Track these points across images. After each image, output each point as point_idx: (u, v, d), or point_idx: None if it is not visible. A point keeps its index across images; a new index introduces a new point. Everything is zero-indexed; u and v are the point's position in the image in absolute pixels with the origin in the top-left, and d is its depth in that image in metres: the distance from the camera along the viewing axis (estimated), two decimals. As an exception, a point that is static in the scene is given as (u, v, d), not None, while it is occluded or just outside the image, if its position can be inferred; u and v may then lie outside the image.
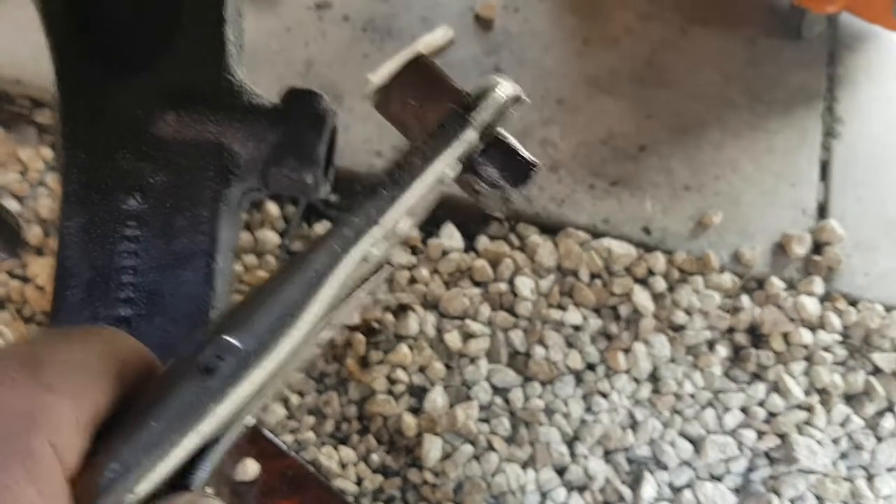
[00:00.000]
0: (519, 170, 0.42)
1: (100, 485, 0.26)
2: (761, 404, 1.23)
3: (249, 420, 0.31)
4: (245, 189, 0.63)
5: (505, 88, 0.41)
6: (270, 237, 1.31)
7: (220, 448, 0.29)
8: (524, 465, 1.17)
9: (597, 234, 1.32)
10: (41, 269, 1.27)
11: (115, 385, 0.28)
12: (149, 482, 0.26)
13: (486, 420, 1.19)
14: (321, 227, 1.33)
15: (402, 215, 0.35)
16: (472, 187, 0.42)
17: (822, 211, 1.39)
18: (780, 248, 1.34)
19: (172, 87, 0.60)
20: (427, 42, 1.50)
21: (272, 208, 1.34)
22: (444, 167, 0.37)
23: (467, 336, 1.24)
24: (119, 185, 0.59)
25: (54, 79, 0.61)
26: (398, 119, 0.44)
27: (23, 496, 0.24)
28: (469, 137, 0.38)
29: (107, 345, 0.29)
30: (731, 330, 1.28)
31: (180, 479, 0.28)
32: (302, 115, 0.59)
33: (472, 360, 1.22)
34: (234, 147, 0.59)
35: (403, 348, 1.22)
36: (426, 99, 0.42)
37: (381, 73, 1.47)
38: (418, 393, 1.21)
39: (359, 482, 1.15)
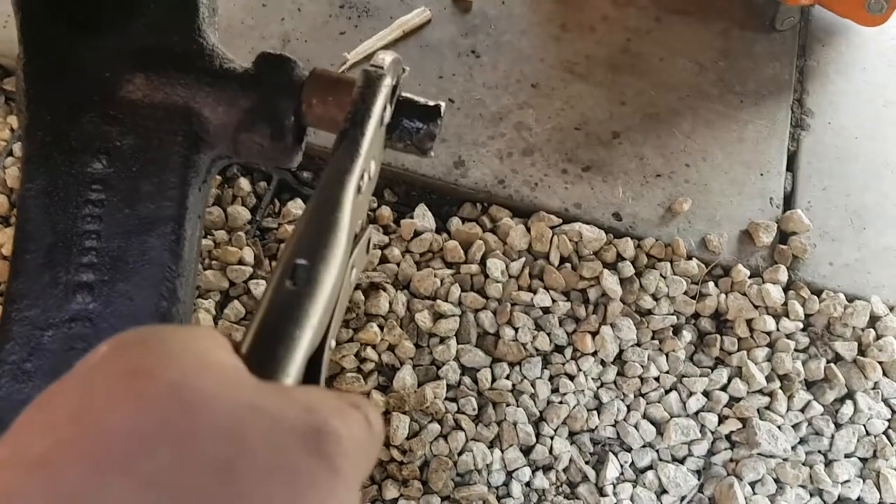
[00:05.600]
0: (429, 112, 0.56)
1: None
2: (724, 389, 1.25)
3: (333, 343, 0.39)
4: (215, 156, 0.62)
5: (387, 55, 0.52)
6: (241, 213, 1.30)
7: (326, 355, 0.37)
8: (490, 445, 1.18)
9: (568, 219, 1.33)
10: (7, 238, 1.25)
11: None
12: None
13: (454, 399, 1.20)
14: (293, 205, 1.32)
15: (369, 151, 0.44)
16: (401, 140, 0.55)
17: (789, 201, 1.41)
18: (747, 237, 1.35)
19: (142, 48, 0.59)
20: (404, 22, 1.49)
21: (244, 184, 1.32)
22: (380, 110, 0.48)
23: (437, 316, 1.24)
24: (84, 147, 0.58)
25: (19, 37, 0.60)
26: (326, 116, 0.57)
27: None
28: (388, 83, 0.49)
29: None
30: (696, 315, 1.29)
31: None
32: (275, 81, 0.59)
33: (442, 340, 1.23)
34: (204, 112, 0.58)
35: (373, 327, 1.22)
36: (338, 90, 0.57)
37: (358, 52, 1.45)
38: (387, 371, 1.21)
39: (325, 459, 1.14)
